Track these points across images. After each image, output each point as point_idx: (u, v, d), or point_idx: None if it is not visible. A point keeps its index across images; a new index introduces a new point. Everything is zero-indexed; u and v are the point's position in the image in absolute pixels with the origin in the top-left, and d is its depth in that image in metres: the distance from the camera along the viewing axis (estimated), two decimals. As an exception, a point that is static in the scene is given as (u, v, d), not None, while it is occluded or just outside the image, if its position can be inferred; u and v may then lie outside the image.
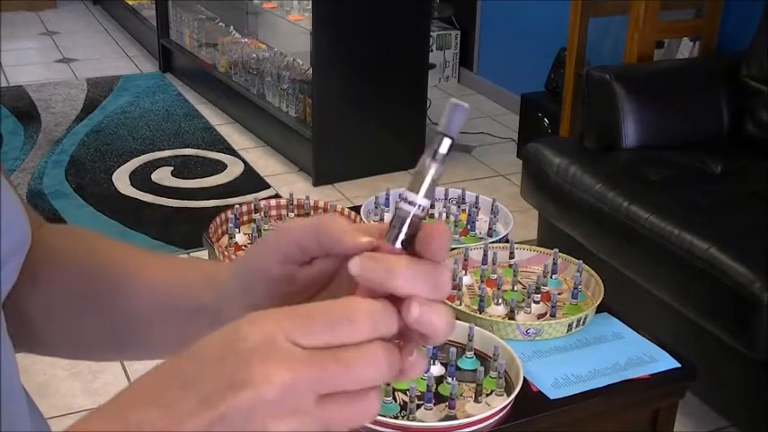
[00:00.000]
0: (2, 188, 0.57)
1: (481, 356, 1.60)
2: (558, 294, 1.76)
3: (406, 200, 0.48)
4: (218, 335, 0.45)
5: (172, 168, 3.84)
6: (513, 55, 4.56)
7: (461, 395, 1.52)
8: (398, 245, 0.47)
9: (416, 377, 0.49)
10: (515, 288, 1.79)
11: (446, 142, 0.47)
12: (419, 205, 0.47)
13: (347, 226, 0.49)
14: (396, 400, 1.50)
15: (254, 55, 4.22)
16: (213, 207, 3.42)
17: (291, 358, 0.43)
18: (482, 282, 1.81)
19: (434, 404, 1.48)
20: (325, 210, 2.11)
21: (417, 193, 0.47)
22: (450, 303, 1.71)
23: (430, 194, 0.48)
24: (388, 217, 2.09)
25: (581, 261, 1.82)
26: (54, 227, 0.70)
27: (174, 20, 5.01)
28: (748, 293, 2.04)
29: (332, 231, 0.49)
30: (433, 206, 2.13)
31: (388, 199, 2.14)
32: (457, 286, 1.77)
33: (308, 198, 2.12)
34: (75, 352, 0.70)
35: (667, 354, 1.66)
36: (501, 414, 1.47)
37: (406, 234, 0.47)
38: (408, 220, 0.47)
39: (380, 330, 0.45)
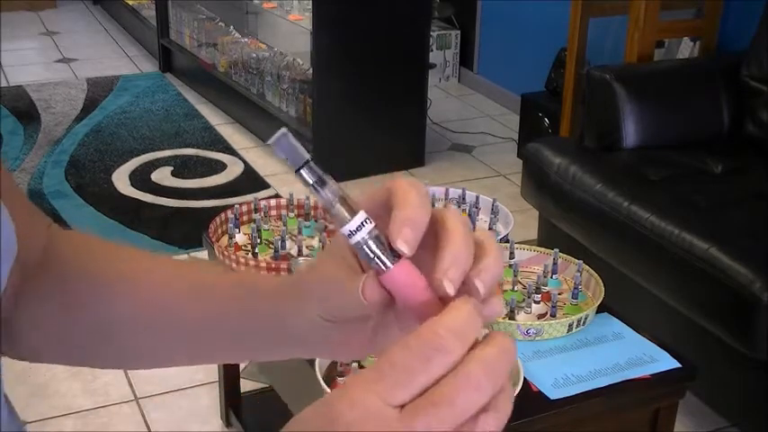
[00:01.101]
0: None
1: (481, 356, 1.60)
2: (559, 294, 1.76)
3: (350, 235, 0.47)
4: (313, 419, 0.44)
5: (172, 168, 3.84)
6: (513, 55, 4.56)
7: (461, 395, 1.52)
8: (390, 263, 0.46)
9: None
10: (515, 288, 1.79)
11: (306, 172, 0.47)
12: (357, 227, 0.46)
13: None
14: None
15: (254, 55, 4.22)
16: (213, 207, 3.42)
17: (391, 424, 0.41)
18: (482, 282, 1.80)
19: (434, 404, 1.48)
20: (324, 209, 2.11)
21: (347, 222, 0.47)
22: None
23: (351, 211, 0.47)
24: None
25: (581, 261, 1.82)
26: (63, 232, 0.69)
27: (174, 20, 5.01)
28: (748, 293, 2.04)
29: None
30: (433, 205, 2.13)
31: (388, 199, 2.14)
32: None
33: (307, 198, 2.12)
34: (59, 357, 0.69)
35: (667, 354, 1.66)
36: (501, 414, 1.47)
37: (382, 249, 0.46)
38: (369, 243, 0.46)
39: (470, 340, 0.43)
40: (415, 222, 0.46)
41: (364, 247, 0.46)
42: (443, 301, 0.46)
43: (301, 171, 0.47)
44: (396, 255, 0.46)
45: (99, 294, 0.63)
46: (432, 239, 0.47)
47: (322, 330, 0.53)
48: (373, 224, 0.46)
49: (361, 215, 0.46)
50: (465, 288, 0.46)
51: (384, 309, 0.48)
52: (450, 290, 0.45)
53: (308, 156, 0.47)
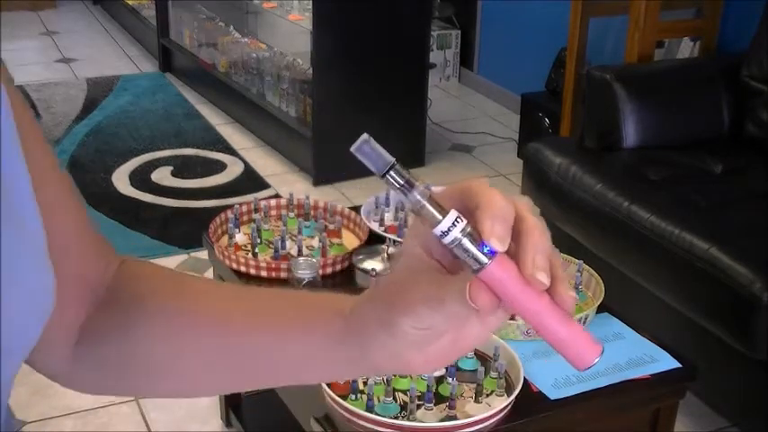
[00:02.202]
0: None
1: (481, 357, 1.60)
2: (559, 294, 1.75)
3: (443, 235, 0.47)
4: None
5: (172, 168, 3.84)
6: (514, 55, 4.56)
7: (461, 395, 1.52)
8: (486, 259, 0.47)
9: None
10: (515, 288, 1.79)
11: (393, 175, 0.47)
12: (449, 227, 0.47)
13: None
14: (396, 401, 1.50)
15: (254, 55, 4.22)
16: (213, 207, 3.42)
17: None
18: (482, 282, 1.80)
19: (434, 404, 1.48)
20: (324, 209, 2.11)
21: (438, 222, 0.47)
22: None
23: (442, 210, 0.47)
24: (388, 217, 2.09)
25: (581, 261, 1.82)
26: (131, 268, 0.67)
27: (173, 20, 5.01)
28: (748, 293, 2.04)
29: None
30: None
31: (388, 199, 2.14)
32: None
33: (307, 198, 2.12)
34: (107, 390, 0.68)
35: (667, 354, 1.66)
36: (501, 414, 1.47)
37: (476, 245, 0.47)
38: (464, 241, 0.47)
39: None
40: (505, 218, 0.47)
41: (460, 244, 0.47)
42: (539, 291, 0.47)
43: (388, 175, 0.47)
44: (488, 251, 0.47)
45: (160, 331, 0.62)
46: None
47: (405, 347, 0.52)
48: (465, 221, 0.47)
49: (453, 213, 0.47)
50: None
51: (492, 309, 0.48)
52: (546, 280, 0.47)
53: (392, 159, 0.48)
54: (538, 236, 0.47)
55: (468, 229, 0.47)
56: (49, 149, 0.61)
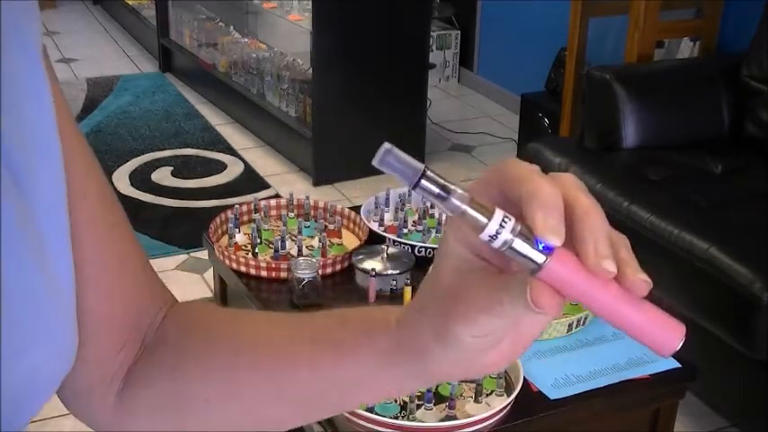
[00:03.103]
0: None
1: (481, 356, 1.60)
2: (558, 294, 1.76)
3: (492, 239, 0.43)
4: None
5: (172, 168, 3.84)
6: (513, 55, 4.56)
7: (461, 395, 1.52)
8: (544, 258, 0.42)
9: None
10: (515, 288, 1.79)
11: (426, 183, 0.43)
12: (497, 229, 0.43)
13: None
14: (396, 401, 1.50)
15: (254, 55, 4.22)
16: (213, 207, 3.42)
17: None
18: (482, 282, 1.80)
19: (434, 404, 1.48)
20: (324, 209, 2.11)
21: (484, 226, 0.42)
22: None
23: (486, 212, 0.43)
24: (388, 217, 2.09)
25: (581, 261, 1.82)
26: (187, 305, 0.63)
27: (173, 20, 5.01)
28: (748, 293, 2.04)
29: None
30: (433, 206, 2.13)
31: (388, 199, 2.14)
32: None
33: (307, 198, 2.12)
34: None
35: (667, 354, 1.66)
36: (501, 414, 1.47)
37: (530, 243, 0.42)
38: (516, 242, 0.42)
39: None
40: (555, 206, 0.42)
41: (511, 247, 0.42)
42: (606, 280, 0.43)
43: (420, 185, 0.43)
44: (544, 247, 0.42)
45: (216, 366, 0.58)
46: None
47: (467, 355, 0.48)
48: (513, 220, 0.42)
49: (499, 213, 0.42)
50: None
51: (558, 309, 0.43)
52: (611, 267, 0.42)
53: (421, 166, 0.43)
54: (594, 219, 0.42)
55: (519, 228, 0.42)
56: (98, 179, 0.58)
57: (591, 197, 0.44)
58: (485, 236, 0.42)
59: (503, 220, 0.42)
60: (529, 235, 0.42)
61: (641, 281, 0.42)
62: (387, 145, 0.43)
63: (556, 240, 0.42)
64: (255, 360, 0.57)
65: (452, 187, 0.43)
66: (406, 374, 0.51)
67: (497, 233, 0.42)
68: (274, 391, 0.56)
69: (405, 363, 0.50)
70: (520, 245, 0.42)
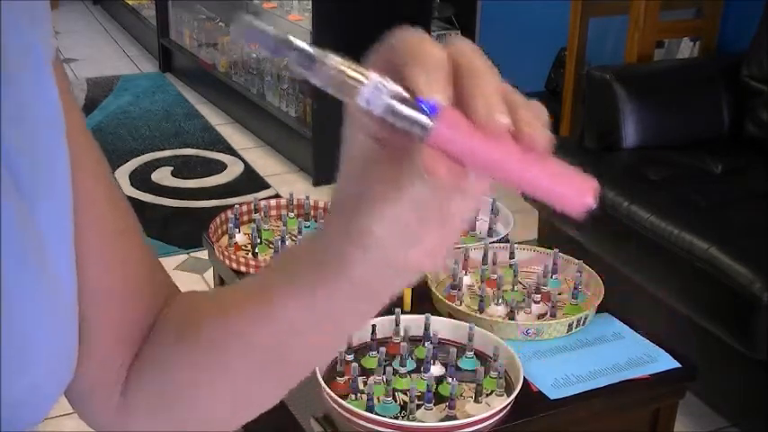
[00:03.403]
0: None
1: (481, 356, 1.60)
2: (558, 294, 1.76)
3: (369, 105, 0.39)
4: None
5: (172, 168, 3.84)
6: (513, 55, 4.56)
7: (461, 395, 1.52)
8: (431, 119, 0.39)
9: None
10: (515, 288, 1.79)
11: (292, 55, 0.39)
12: (372, 91, 0.39)
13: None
14: (396, 401, 1.50)
15: (254, 55, 4.22)
16: (213, 207, 3.42)
17: None
18: (482, 282, 1.81)
19: (434, 404, 1.48)
20: (325, 210, 2.11)
21: (359, 90, 0.39)
22: (450, 303, 1.71)
23: (361, 75, 0.40)
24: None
25: (581, 261, 1.82)
26: (182, 295, 0.62)
27: (174, 20, 5.01)
28: (748, 293, 2.04)
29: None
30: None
31: (388, 199, 2.14)
32: (457, 286, 1.77)
33: (307, 198, 2.12)
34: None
35: (667, 354, 1.66)
36: (501, 414, 1.47)
37: (413, 106, 0.39)
38: (396, 105, 0.39)
39: None
40: (439, 66, 0.39)
41: (393, 111, 0.39)
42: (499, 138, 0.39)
43: (285, 53, 0.39)
44: (430, 109, 0.39)
45: (204, 346, 0.56)
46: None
47: (389, 253, 0.45)
48: (392, 83, 0.39)
49: (374, 77, 0.39)
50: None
51: (457, 176, 0.39)
52: (504, 119, 0.38)
53: (284, 35, 0.39)
54: (486, 78, 0.39)
55: (399, 90, 0.39)
56: (108, 182, 0.58)
57: (486, 61, 0.40)
58: (361, 101, 0.39)
59: (379, 83, 0.39)
60: (412, 99, 0.38)
61: (538, 133, 0.39)
62: (247, 18, 0.40)
63: (440, 98, 0.38)
64: (232, 332, 0.55)
65: (321, 54, 0.40)
66: (339, 291, 0.47)
67: (374, 97, 0.39)
68: (253, 357, 0.54)
69: (332, 277, 0.47)
70: (402, 108, 0.38)
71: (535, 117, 0.40)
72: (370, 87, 0.39)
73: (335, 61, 0.40)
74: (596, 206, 0.41)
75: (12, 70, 0.45)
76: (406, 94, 0.39)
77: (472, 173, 0.40)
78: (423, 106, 0.38)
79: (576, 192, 0.40)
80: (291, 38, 0.39)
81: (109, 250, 0.56)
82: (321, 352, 0.55)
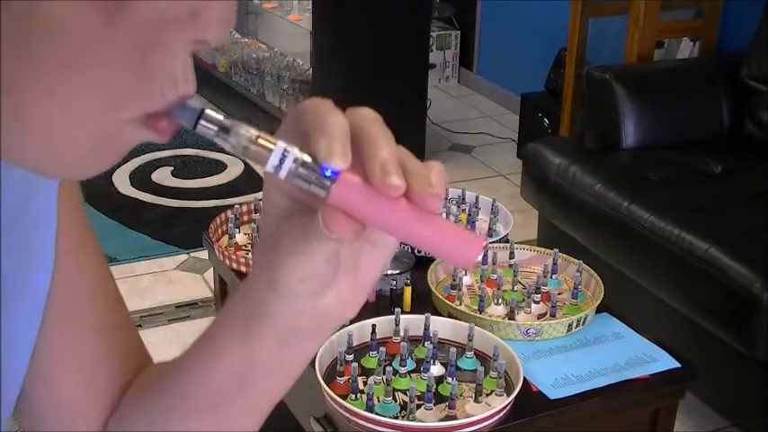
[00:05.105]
0: None
1: (481, 356, 1.60)
2: (558, 294, 1.76)
3: (277, 170, 0.43)
4: None
5: (172, 168, 3.84)
6: (513, 55, 4.56)
7: (461, 395, 1.52)
8: (328, 183, 0.43)
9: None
10: (515, 288, 1.79)
11: (204, 123, 0.44)
12: (279, 159, 0.43)
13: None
14: (396, 401, 1.50)
15: (254, 55, 4.22)
16: (213, 207, 3.42)
17: None
18: (482, 282, 1.81)
19: (434, 404, 1.48)
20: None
21: (267, 158, 0.43)
22: (450, 303, 1.71)
23: (271, 145, 0.43)
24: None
25: (581, 261, 1.82)
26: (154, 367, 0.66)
27: (174, 20, 5.01)
28: (748, 293, 2.04)
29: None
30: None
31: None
32: (457, 286, 1.77)
33: (308, 198, 2.12)
34: None
35: (667, 354, 1.66)
36: (501, 414, 1.47)
37: (315, 171, 0.43)
38: (300, 170, 0.43)
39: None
40: (339, 133, 0.43)
41: (297, 174, 0.43)
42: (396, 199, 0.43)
43: (200, 124, 0.44)
44: (331, 173, 0.43)
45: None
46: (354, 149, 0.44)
47: (303, 302, 0.48)
48: (296, 149, 0.43)
49: (281, 144, 0.43)
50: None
51: (355, 233, 0.44)
52: (397, 181, 0.42)
53: (199, 106, 0.44)
54: (380, 141, 0.43)
55: (303, 156, 0.43)
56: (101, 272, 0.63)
57: (383, 126, 0.44)
58: (269, 167, 0.43)
59: (285, 151, 0.43)
60: (314, 164, 0.43)
61: (430, 194, 0.43)
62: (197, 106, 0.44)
63: (339, 164, 0.42)
64: (175, 393, 0.58)
65: (234, 123, 0.43)
66: (263, 337, 0.51)
67: (281, 164, 0.43)
68: (202, 412, 0.57)
69: (260, 326, 0.51)
70: (304, 172, 0.43)
71: (427, 179, 0.43)
72: (276, 154, 0.43)
73: (247, 131, 0.44)
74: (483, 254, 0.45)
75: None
76: (308, 160, 0.43)
77: (371, 229, 0.44)
78: (324, 171, 0.42)
79: (464, 248, 0.44)
80: (208, 110, 0.44)
81: (77, 341, 0.61)
82: (272, 395, 0.58)
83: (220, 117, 0.44)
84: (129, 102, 0.43)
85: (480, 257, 0.45)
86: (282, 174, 0.43)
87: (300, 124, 0.44)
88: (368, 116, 0.44)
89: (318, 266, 0.46)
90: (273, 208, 0.48)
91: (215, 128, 0.44)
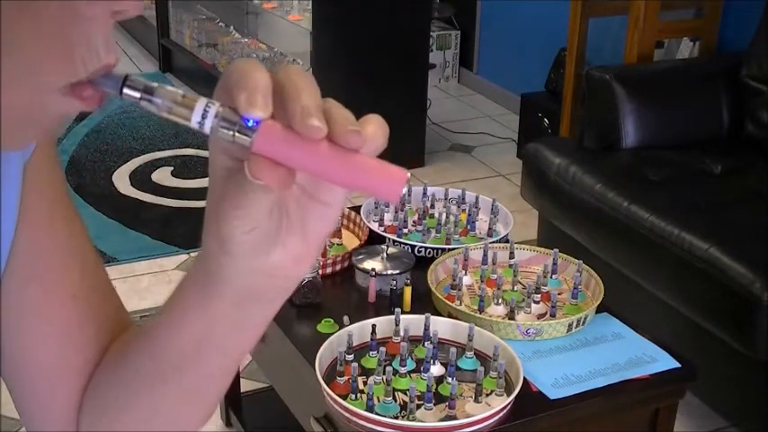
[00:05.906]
0: None
1: (481, 356, 1.60)
2: (558, 294, 1.76)
3: (201, 125, 0.44)
4: None
5: (172, 168, 3.84)
6: (513, 55, 4.56)
7: (461, 395, 1.52)
8: (250, 132, 0.44)
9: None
10: (515, 288, 1.79)
11: (127, 90, 0.45)
12: (202, 114, 0.44)
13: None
14: (396, 401, 1.50)
15: (254, 55, 4.22)
16: (213, 207, 3.42)
17: None
18: (482, 282, 1.81)
19: (434, 404, 1.48)
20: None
21: (191, 115, 0.44)
22: (450, 303, 1.71)
23: (193, 102, 0.45)
24: (388, 217, 2.09)
25: (581, 261, 1.82)
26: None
27: (174, 20, 5.01)
28: (748, 293, 2.04)
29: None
30: (432, 206, 2.14)
31: (388, 199, 2.14)
32: (457, 286, 1.77)
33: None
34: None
35: (667, 354, 1.66)
36: (501, 414, 1.47)
37: (238, 123, 0.44)
38: (222, 124, 0.44)
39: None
40: (259, 85, 0.44)
41: (221, 128, 0.44)
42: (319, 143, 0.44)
43: (124, 90, 0.45)
44: (253, 123, 0.44)
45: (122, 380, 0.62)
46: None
47: (252, 258, 0.49)
48: (218, 104, 0.44)
49: (202, 101, 0.45)
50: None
51: (283, 180, 0.45)
52: (318, 123, 0.43)
53: (123, 73, 0.46)
54: (303, 90, 0.44)
55: (224, 110, 0.44)
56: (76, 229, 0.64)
57: (308, 79, 0.45)
58: (193, 123, 0.44)
59: (207, 106, 0.44)
60: (236, 116, 0.44)
61: (351, 132, 0.44)
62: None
63: (258, 113, 0.43)
64: (146, 356, 0.60)
65: (156, 85, 0.45)
66: (219, 299, 0.52)
67: (203, 119, 0.44)
68: (167, 375, 0.59)
69: (216, 285, 0.52)
70: (228, 125, 0.44)
71: (348, 120, 0.44)
72: (198, 110, 0.44)
73: (171, 91, 0.45)
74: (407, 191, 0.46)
75: None
76: (231, 114, 0.44)
77: (314, 184, 0.47)
78: (246, 122, 0.44)
79: (388, 182, 0.45)
80: (131, 74, 0.45)
81: (60, 317, 0.63)
82: (232, 359, 0.59)
83: (144, 80, 0.45)
84: (50, 73, 0.45)
85: (405, 190, 0.44)
86: (206, 128, 0.44)
87: (227, 83, 0.45)
88: (294, 70, 0.45)
89: (260, 218, 0.47)
90: (217, 169, 0.49)
91: (140, 92, 0.45)
